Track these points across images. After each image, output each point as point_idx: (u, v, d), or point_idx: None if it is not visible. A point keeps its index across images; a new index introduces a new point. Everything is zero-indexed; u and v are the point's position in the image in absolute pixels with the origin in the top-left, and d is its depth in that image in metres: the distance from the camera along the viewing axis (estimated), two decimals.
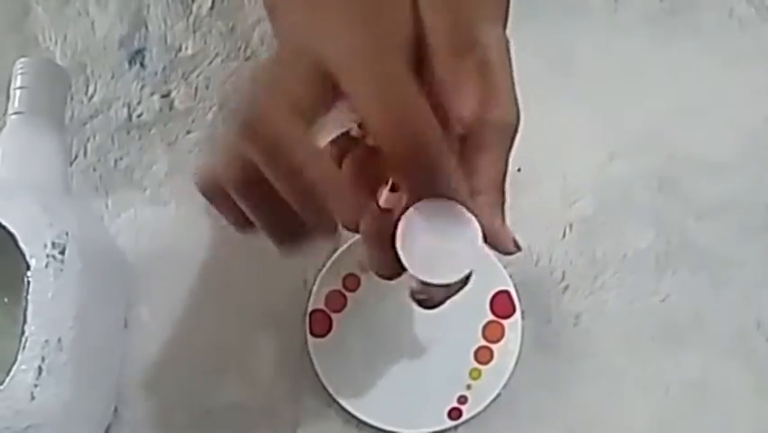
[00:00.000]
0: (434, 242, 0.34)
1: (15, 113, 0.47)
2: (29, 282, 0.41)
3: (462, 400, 0.50)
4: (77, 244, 0.44)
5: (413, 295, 0.40)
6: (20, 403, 0.40)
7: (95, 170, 0.56)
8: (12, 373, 0.40)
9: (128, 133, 0.56)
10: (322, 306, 0.52)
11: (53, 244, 0.42)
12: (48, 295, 0.42)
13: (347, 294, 0.53)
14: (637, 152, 0.54)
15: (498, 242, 0.36)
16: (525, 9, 0.56)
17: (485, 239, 0.35)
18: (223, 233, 0.54)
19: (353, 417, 0.50)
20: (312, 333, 0.51)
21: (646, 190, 0.54)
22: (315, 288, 0.52)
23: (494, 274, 0.51)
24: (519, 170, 0.54)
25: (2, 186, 0.45)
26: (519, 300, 0.51)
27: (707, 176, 0.54)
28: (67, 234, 0.43)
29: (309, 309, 0.52)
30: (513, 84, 0.37)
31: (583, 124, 0.55)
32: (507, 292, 0.51)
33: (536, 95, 0.55)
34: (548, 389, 0.51)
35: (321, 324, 0.52)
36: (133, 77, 0.57)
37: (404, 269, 0.35)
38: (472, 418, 0.50)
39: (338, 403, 0.50)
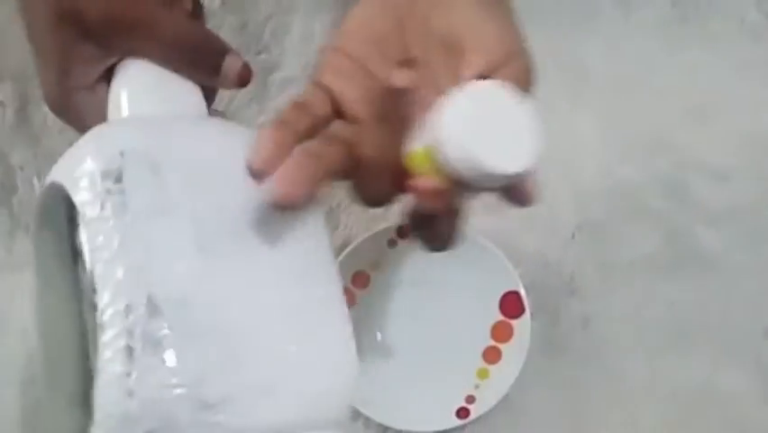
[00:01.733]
0: (485, 125, 0.30)
1: None
2: (83, 236, 0.29)
3: (470, 399, 0.50)
4: (145, 158, 0.30)
5: (418, 223, 0.34)
6: (117, 407, 0.27)
7: None
8: (97, 368, 0.27)
9: None
10: None
11: (103, 173, 0.29)
12: (114, 244, 0.28)
13: (356, 292, 0.52)
14: (647, 157, 0.55)
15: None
16: (537, 15, 0.56)
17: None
18: None
19: (361, 414, 0.50)
20: None
21: (655, 195, 0.54)
22: None
23: (504, 275, 0.51)
24: None
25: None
26: (528, 302, 0.51)
27: (716, 182, 0.54)
28: (122, 153, 0.30)
29: None
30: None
31: (593, 129, 0.55)
32: (516, 293, 0.51)
33: (547, 99, 0.55)
34: (555, 390, 0.51)
35: None
36: None
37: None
38: (480, 417, 0.50)
39: None
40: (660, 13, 0.57)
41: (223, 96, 0.56)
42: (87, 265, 0.28)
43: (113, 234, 0.28)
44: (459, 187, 0.31)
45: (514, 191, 0.32)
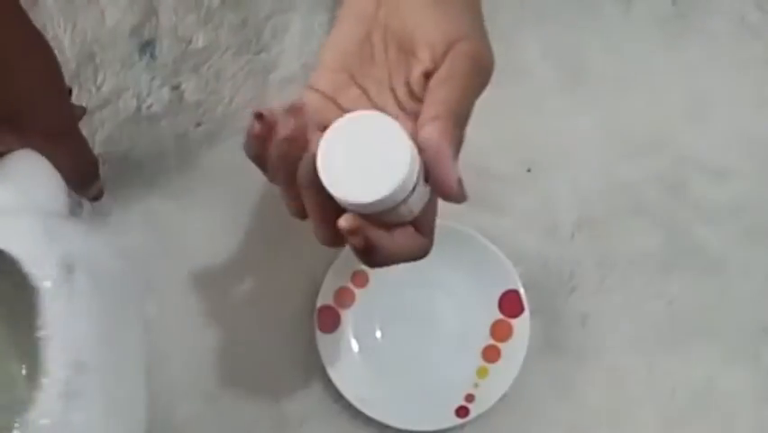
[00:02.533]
0: (356, 156, 0.31)
1: None
2: (40, 307, 0.39)
3: (470, 398, 0.50)
4: (86, 262, 0.42)
5: (346, 239, 0.35)
6: (50, 431, 0.37)
7: (103, 161, 0.55)
8: (37, 402, 0.37)
9: (137, 124, 0.56)
10: (330, 302, 0.52)
11: (60, 264, 0.40)
12: (62, 317, 0.39)
13: (355, 290, 0.53)
14: (646, 154, 0.55)
15: (440, 172, 0.32)
16: (537, 12, 0.56)
17: (428, 172, 0.32)
18: (231, 227, 0.54)
19: (360, 413, 0.50)
20: (320, 328, 0.51)
21: (655, 193, 0.54)
22: (323, 284, 0.52)
23: (503, 274, 0.52)
24: (529, 170, 0.55)
25: (1, 211, 0.43)
26: (528, 300, 0.51)
27: (715, 180, 0.54)
28: (72, 253, 0.41)
29: (318, 305, 0.52)
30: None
31: (593, 127, 0.55)
32: (515, 292, 0.51)
33: (546, 97, 0.56)
34: (555, 388, 0.52)
35: (329, 320, 0.52)
36: (143, 68, 0.56)
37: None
38: (480, 416, 0.50)
39: (345, 399, 0.50)
40: (659, 11, 0.57)
41: (222, 96, 0.56)
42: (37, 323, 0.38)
43: (61, 310, 0.39)
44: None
45: (440, 192, 0.33)
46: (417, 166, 0.32)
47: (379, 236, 0.33)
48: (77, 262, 0.41)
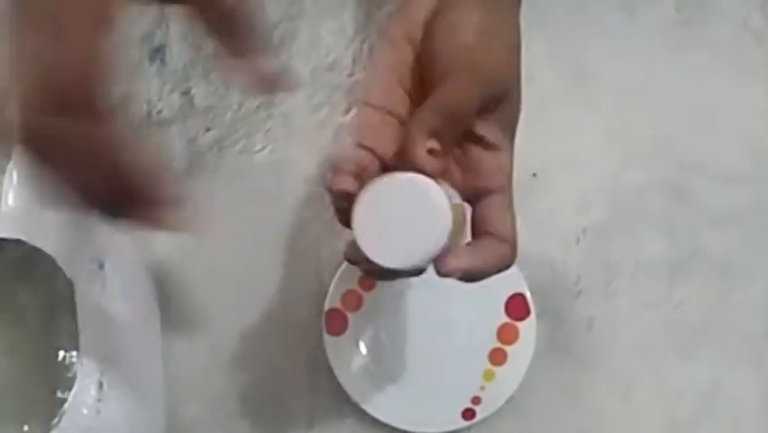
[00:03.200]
0: (391, 220, 0.32)
1: None
2: (75, 300, 0.41)
3: (476, 401, 0.51)
4: (113, 258, 0.44)
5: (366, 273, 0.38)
6: (87, 419, 0.39)
7: None
8: (74, 390, 0.39)
9: (147, 129, 0.56)
10: (338, 305, 0.52)
11: (92, 259, 0.42)
12: (96, 309, 0.41)
13: (363, 293, 0.53)
14: (650, 160, 0.55)
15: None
16: (540, 17, 0.57)
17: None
18: (240, 231, 0.54)
19: (368, 415, 0.51)
20: (328, 331, 0.52)
21: (659, 198, 0.54)
22: (331, 287, 0.52)
23: (510, 277, 0.52)
24: (535, 175, 0.55)
25: (26, 212, 0.45)
26: (534, 304, 0.52)
27: (719, 185, 0.54)
28: (102, 248, 0.43)
29: (325, 308, 0.52)
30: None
31: (597, 132, 0.56)
32: (522, 295, 0.52)
33: (550, 102, 0.56)
34: (561, 392, 0.52)
35: (337, 323, 0.52)
36: (154, 73, 0.57)
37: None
38: (486, 419, 0.50)
39: (353, 401, 0.51)
40: (664, 17, 0.57)
41: (231, 102, 0.57)
42: (74, 316, 0.40)
43: (96, 303, 0.41)
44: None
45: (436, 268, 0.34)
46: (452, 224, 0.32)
47: (473, 266, 0.34)
48: (105, 257, 0.42)
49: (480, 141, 0.36)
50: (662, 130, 0.56)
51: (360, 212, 0.32)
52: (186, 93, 0.57)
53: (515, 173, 0.55)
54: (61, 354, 0.43)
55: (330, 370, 0.51)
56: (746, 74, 0.56)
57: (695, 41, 0.57)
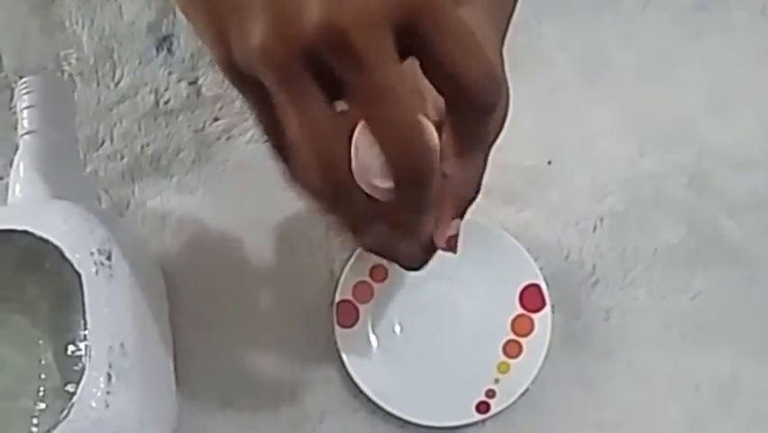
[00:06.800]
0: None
1: (28, 132, 0.45)
2: (83, 292, 0.40)
3: (491, 393, 0.50)
4: (121, 249, 0.43)
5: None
6: (96, 412, 0.39)
7: (121, 156, 0.55)
8: (83, 383, 0.39)
9: (155, 119, 0.56)
10: (349, 296, 0.52)
11: (99, 250, 0.42)
12: (104, 301, 0.41)
13: (374, 285, 0.52)
14: (668, 147, 0.54)
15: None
16: (555, 4, 0.56)
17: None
18: (248, 221, 0.53)
19: (379, 408, 0.50)
20: (339, 323, 0.51)
21: (677, 186, 0.53)
22: (342, 278, 0.51)
23: (524, 267, 0.51)
24: (550, 162, 0.54)
25: (34, 203, 0.44)
26: (549, 294, 0.51)
27: (738, 172, 0.53)
28: (109, 239, 0.43)
29: (336, 300, 0.51)
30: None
31: (613, 119, 0.54)
32: (536, 286, 0.51)
33: (566, 90, 0.55)
34: (577, 384, 0.51)
35: (348, 314, 0.51)
36: (161, 63, 0.56)
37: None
38: (500, 412, 0.49)
39: (364, 394, 0.50)
40: (679, 3, 0.56)
41: (233, 105, 0.56)
42: (82, 308, 0.40)
43: (103, 294, 0.41)
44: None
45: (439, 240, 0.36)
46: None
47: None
48: (113, 248, 0.42)
49: None
50: (679, 116, 0.54)
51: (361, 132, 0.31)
52: (193, 83, 0.56)
53: (529, 161, 0.54)
54: (70, 346, 0.42)
55: (341, 362, 0.50)
56: (763, 59, 0.55)
57: (712, 27, 0.56)
